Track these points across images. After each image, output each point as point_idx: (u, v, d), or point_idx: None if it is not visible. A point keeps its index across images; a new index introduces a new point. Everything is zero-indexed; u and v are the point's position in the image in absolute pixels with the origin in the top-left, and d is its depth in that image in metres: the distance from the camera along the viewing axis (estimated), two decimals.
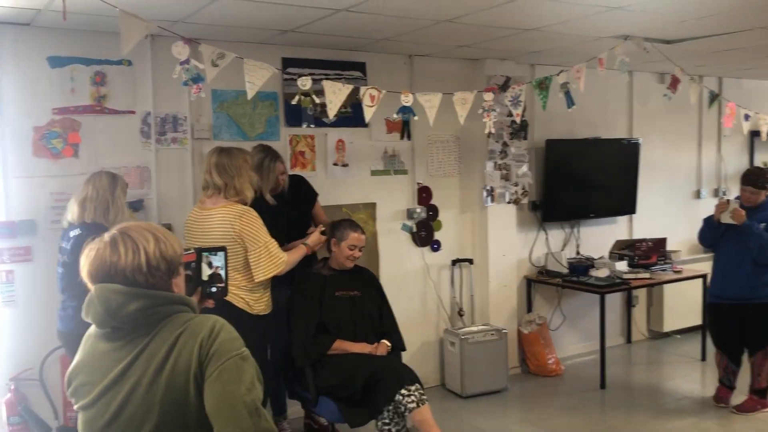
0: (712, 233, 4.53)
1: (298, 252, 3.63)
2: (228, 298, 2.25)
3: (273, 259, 3.39)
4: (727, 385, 4.64)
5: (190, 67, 3.18)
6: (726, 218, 4.36)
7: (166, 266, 1.65)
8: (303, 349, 3.67)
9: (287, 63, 4.39)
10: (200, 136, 4.20)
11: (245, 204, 3.43)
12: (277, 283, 3.61)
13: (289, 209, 4.01)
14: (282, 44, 4.33)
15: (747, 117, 5.10)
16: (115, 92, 3.93)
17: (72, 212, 3.41)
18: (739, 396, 4.59)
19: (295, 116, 4.50)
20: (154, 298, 1.61)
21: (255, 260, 3.37)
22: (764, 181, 4.38)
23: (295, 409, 4.30)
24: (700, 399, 4.80)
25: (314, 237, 3.75)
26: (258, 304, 3.46)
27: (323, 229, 3.80)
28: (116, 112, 3.95)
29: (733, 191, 6.27)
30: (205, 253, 1.98)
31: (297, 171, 4.46)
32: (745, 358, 4.56)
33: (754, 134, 6.37)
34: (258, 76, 3.33)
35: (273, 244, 3.41)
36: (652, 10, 3.64)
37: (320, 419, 4.12)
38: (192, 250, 1.95)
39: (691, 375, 5.37)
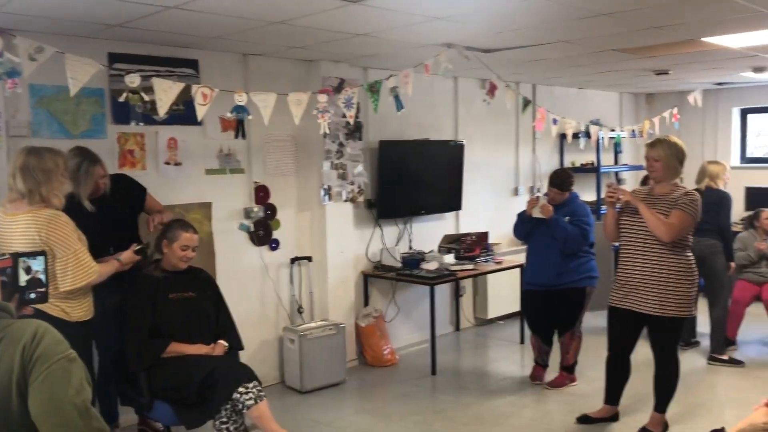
0: (524, 226, 4.98)
1: (110, 266, 3.42)
2: (42, 306, 2.14)
3: (82, 267, 3.18)
4: (541, 364, 5.12)
5: (3, 61, 2.99)
6: (536, 213, 4.80)
7: None
8: (136, 354, 3.57)
9: (114, 58, 4.22)
10: (17, 133, 3.91)
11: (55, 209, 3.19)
12: (106, 287, 3.47)
13: (114, 212, 3.84)
14: (109, 39, 4.15)
15: (555, 121, 5.64)
16: None
17: None
18: (552, 373, 5.08)
19: (123, 113, 4.33)
20: None
21: (62, 268, 3.13)
22: (568, 185, 4.89)
23: (128, 417, 4.16)
24: (519, 378, 5.25)
25: (126, 255, 3.55)
26: (76, 310, 3.26)
27: (137, 248, 3.61)
28: None
29: (546, 188, 6.91)
30: (22, 258, 1.90)
31: (126, 170, 4.30)
32: (556, 339, 5.05)
33: (563, 137, 7.05)
34: (82, 72, 3.20)
35: (83, 252, 3.20)
36: (471, 21, 3.93)
37: (155, 424, 4.02)
38: (7, 255, 1.87)
39: (512, 357, 5.85)
